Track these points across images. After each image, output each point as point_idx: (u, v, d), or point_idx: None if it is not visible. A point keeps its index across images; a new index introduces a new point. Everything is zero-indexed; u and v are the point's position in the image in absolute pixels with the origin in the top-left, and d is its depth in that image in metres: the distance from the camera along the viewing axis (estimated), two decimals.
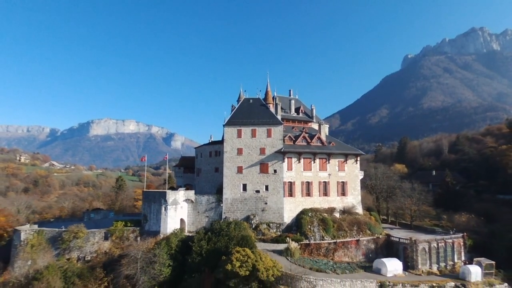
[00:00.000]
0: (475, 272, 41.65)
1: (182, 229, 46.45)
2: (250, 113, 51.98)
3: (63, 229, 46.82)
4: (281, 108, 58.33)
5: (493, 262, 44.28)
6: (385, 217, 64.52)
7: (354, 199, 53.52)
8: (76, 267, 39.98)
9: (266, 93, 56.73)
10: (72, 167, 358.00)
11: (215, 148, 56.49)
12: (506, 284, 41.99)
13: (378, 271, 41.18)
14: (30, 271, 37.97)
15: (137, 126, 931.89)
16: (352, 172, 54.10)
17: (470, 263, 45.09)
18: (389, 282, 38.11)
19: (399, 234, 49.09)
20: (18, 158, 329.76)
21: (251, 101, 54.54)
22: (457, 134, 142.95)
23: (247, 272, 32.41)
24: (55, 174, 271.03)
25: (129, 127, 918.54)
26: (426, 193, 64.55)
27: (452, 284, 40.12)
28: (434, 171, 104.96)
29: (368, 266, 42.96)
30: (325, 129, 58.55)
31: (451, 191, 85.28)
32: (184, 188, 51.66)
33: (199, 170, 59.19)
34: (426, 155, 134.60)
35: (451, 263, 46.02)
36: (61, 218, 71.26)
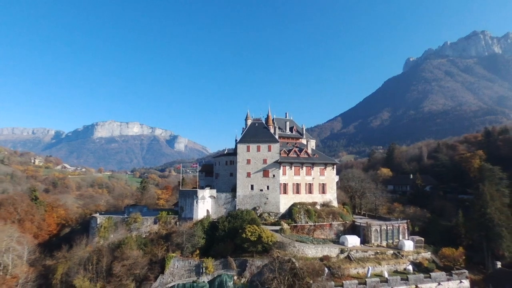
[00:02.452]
0: (408, 244, 63.00)
1: (208, 216, 68.08)
2: (256, 134, 73.67)
3: (126, 216, 68.73)
4: (278, 128, 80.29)
5: (422, 239, 65.73)
6: (359, 211, 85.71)
7: (331, 196, 74.97)
8: (142, 239, 61.75)
9: (267, 118, 78.40)
10: (83, 170, 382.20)
11: (230, 159, 78.13)
12: (429, 252, 63.14)
13: (342, 243, 62.46)
14: (115, 241, 59.75)
15: (141, 129, 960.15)
16: (330, 176, 75.58)
17: None
18: (347, 248, 59.55)
19: (362, 221, 70.27)
20: (32, 161, 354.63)
21: (256, 124, 76.23)
22: (438, 141, 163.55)
23: (255, 238, 53.96)
24: (70, 176, 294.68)
25: (133, 129, 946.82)
26: (387, 192, 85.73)
27: (391, 252, 61.43)
28: (411, 175, 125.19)
29: (337, 240, 64.29)
30: (311, 144, 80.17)
31: (420, 192, 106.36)
32: (209, 188, 73.20)
33: (217, 174, 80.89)
34: (410, 160, 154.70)
35: (397, 240, 66.96)
36: (109, 211, 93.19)
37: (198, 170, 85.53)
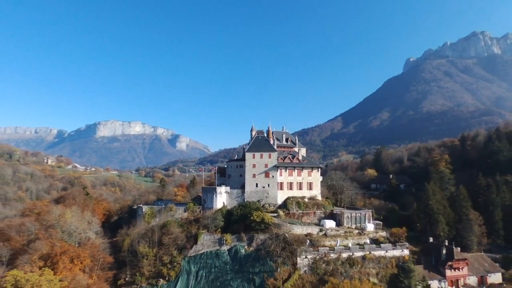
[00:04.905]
0: (370, 226, 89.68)
1: (225, 206, 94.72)
2: (259, 145, 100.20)
3: (163, 206, 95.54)
4: (276, 139, 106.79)
5: (381, 223, 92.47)
6: (340, 203, 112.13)
7: (316, 191, 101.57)
8: (178, 221, 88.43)
9: (268, 131, 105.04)
10: (93, 169, 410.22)
11: (239, 163, 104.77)
12: (385, 232, 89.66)
13: (322, 225, 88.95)
14: (160, 223, 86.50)
15: (142, 128, 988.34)
16: (315, 176, 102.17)
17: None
18: (325, 229, 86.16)
19: (339, 210, 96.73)
20: (45, 161, 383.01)
21: (260, 137, 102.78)
22: (419, 144, 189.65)
23: (260, 220, 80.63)
24: (84, 175, 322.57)
25: (135, 128, 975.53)
26: (366, 189, 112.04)
27: (357, 231, 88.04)
28: (391, 175, 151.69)
29: (318, 224, 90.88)
30: (302, 152, 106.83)
31: (393, 189, 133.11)
32: (224, 185, 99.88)
33: (229, 175, 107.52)
34: (394, 162, 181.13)
35: (364, 224, 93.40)
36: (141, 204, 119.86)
37: (215, 172, 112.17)
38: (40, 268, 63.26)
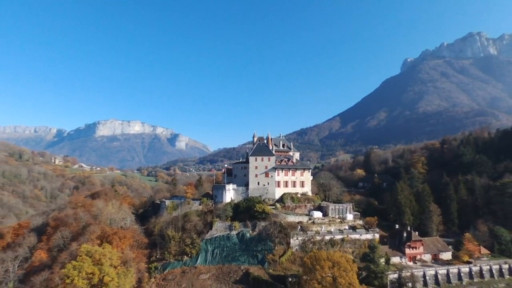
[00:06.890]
0: (349, 216, 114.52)
1: (232, 200, 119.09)
2: (260, 150, 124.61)
3: (183, 200, 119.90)
4: (274, 145, 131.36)
5: (359, 213, 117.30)
6: (328, 199, 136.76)
7: (307, 188, 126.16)
8: (196, 212, 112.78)
9: (267, 139, 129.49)
10: (98, 168, 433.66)
11: (244, 165, 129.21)
12: (362, 221, 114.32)
13: (311, 216, 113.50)
14: (182, 213, 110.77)
15: (142, 127, 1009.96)
16: (307, 176, 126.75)
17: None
18: (313, 218, 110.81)
19: (326, 204, 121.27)
20: (53, 161, 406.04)
21: (261, 143, 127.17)
22: (404, 147, 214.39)
23: (261, 211, 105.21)
24: (93, 175, 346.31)
25: (135, 128, 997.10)
26: (354, 187, 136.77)
27: (339, 220, 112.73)
28: (376, 174, 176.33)
29: (308, 214, 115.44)
30: (296, 156, 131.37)
31: (376, 187, 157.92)
32: (231, 183, 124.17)
33: (235, 175, 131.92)
34: (381, 162, 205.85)
35: (345, 215, 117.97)
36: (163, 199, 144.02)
37: (223, 172, 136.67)
38: (99, 245, 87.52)
